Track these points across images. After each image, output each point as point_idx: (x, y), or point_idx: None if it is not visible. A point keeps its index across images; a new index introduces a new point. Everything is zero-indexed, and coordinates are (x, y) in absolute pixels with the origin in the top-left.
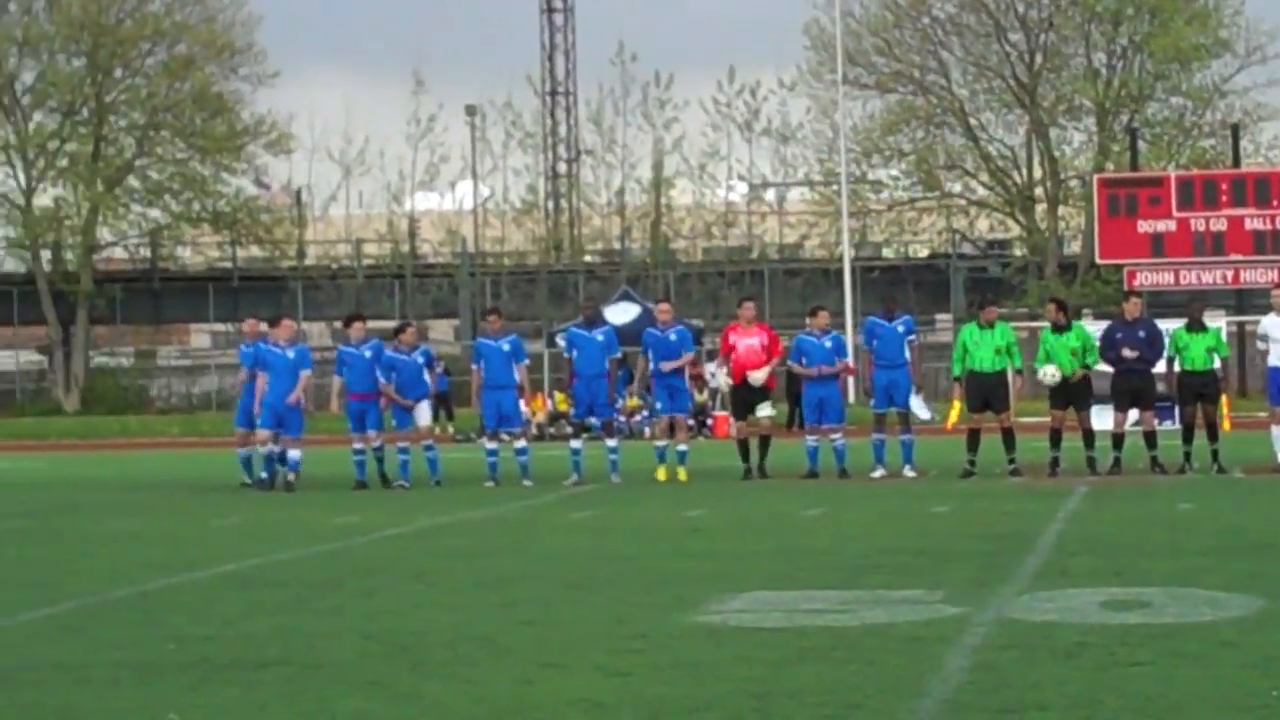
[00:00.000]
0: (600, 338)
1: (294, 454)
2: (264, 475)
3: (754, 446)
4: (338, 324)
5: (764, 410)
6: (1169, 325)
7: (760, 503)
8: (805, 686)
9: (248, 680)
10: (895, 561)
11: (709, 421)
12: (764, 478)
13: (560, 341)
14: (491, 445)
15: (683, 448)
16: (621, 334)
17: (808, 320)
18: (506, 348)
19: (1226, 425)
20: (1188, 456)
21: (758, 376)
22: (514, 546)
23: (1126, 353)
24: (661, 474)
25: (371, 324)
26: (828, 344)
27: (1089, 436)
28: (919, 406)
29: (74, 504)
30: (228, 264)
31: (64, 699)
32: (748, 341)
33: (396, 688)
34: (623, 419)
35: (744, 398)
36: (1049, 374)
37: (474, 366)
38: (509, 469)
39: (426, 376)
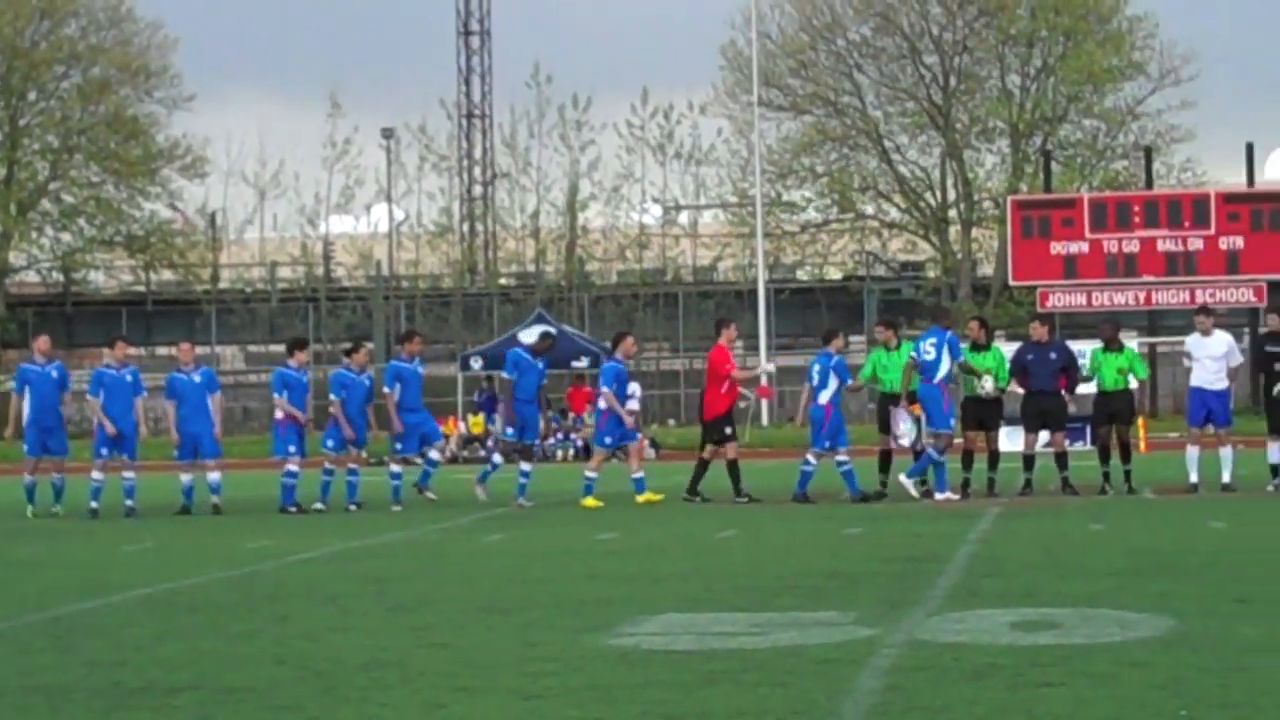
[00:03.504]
0: (541, 365)
1: (214, 476)
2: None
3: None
4: (251, 348)
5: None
6: (1086, 346)
7: (673, 526)
8: (716, 709)
9: (160, 705)
10: (808, 584)
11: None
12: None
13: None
14: (396, 468)
15: (638, 475)
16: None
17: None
18: (422, 370)
19: (1143, 447)
20: (1106, 477)
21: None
22: (426, 570)
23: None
24: (590, 502)
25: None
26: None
27: (994, 457)
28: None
29: None
30: (141, 288)
31: None
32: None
33: (309, 712)
34: (538, 443)
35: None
36: (986, 386)
37: (387, 390)
38: (409, 493)
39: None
